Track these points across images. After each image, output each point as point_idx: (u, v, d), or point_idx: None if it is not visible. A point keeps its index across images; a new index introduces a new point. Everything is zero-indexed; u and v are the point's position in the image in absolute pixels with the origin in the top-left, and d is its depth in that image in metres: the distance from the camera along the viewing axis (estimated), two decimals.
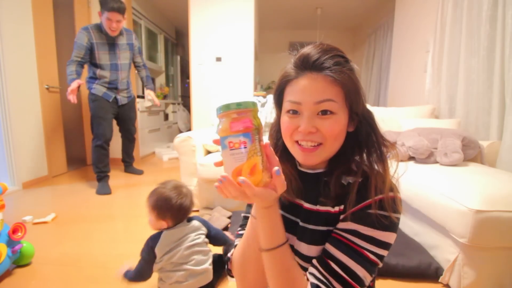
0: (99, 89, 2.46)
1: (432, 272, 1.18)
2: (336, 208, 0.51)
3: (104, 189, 2.40)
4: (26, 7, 2.52)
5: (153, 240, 0.99)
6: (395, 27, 3.39)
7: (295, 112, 0.51)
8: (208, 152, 2.01)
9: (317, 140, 0.50)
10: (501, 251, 1.06)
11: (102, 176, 2.47)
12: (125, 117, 2.71)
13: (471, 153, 1.54)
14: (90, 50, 2.37)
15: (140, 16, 4.08)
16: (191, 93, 3.51)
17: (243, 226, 0.65)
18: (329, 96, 0.48)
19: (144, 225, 1.77)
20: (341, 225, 0.50)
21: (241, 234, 0.63)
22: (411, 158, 1.65)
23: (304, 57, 0.50)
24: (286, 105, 0.52)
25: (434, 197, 1.21)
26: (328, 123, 0.49)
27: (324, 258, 0.49)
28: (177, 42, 5.89)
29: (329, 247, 0.49)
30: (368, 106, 2.57)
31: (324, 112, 0.49)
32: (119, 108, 2.62)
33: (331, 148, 0.51)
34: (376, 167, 0.52)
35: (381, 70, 4.25)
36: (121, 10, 2.31)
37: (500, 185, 1.12)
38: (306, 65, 0.49)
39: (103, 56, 2.42)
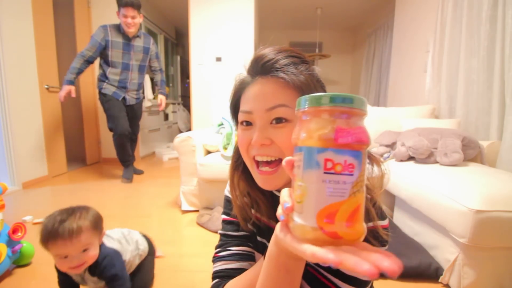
0: (109, 89, 2.53)
1: (432, 272, 1.18)
2: None
3: (127, 174, 2.69)
4: (26, 7, 2.52)
5: (116, 253, 0.94)
6: (395, 27, 3.39)
7: (248, 123, 0.45)
8: (208, 152, 2.01)
9: (273, 154, 0.43)
10: (501, 251, 1.06)
11: (126, 164, 2.73)
12: (131, 116, 2.74)
13: (471, 153, 1.54)
14: (104, 48, 2.43)
15: None
16: (191, 93, 3.51)
17: (224, 247, 0.57)
18: (281, 101, 0.42)
19: (144, 225, 1.77)
20: None
21: (221, 257, 0.56)
22: (411, 158, 1.65)
23: (253, 60, 0.45)
24: (239, 117, 0.47)
25: (434, 197, 1.21)
26: (283, 132, 0.42)
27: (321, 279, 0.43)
28: (177, 42, 5.89)
29: (303, 284, 0.43)
30: (368, 106, 2.54)
31: (279, 121, 0.42)
32: (127, 108, 2.68)
33: None
34: None
35: (381, 70, 4.24)
36: (134, 5, 2.37)
37: (500, 185, 1.12)
38: (256, 69, 0.45)
39: (116, 54, 2.47)
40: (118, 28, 2.46)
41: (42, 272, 1.27)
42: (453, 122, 1.98)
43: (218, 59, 3.43)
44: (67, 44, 3.26)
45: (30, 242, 1.32)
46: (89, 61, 2.44)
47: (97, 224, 0.88)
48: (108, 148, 3.59)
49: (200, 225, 1.73)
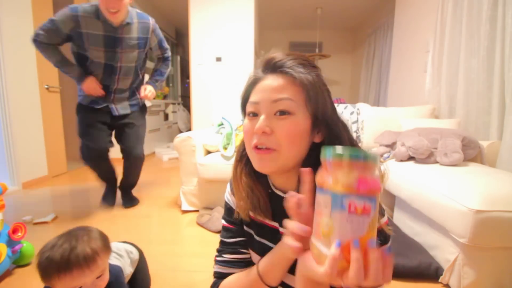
0: (85, 97, 1.78)
1: (432, 272, 1.18)
2: None
3: (106, 198, 2.04)
4: (26, 7, 2.52)
5: (121, 271, 0.86)
6: (395, 27, 3.39)
7: (255, 114, 0.49)
8: (208, 152, 2.01)
9: (271, 146, 0.46)
10: (501, 251, 1.06)
11: (108, 183, 2.06)
12: (124, 131, 1.88)
13: (471, 153, 1.54)
14: (75, 39, 1.63)
15: None
16: (191, 93, 3.51)
17: (220, 253, 0.62)
18: (286, 95, 0.46)
19: (144, 225, 1.77)
20: None
21: (218, 262, 0.61)
22: (411, 158, 1.65)
23: (267, 60, 0.50)
24: (247, 107, 0.51)
25: (434, 197, 1.21)
26: (284, 123, 0.46)
27: None
28: (177, 42, 5.89)
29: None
30: (368, 106, 2.52)
31: (282, 113, 0.46)
32: (115, 120, 1.86)
33: (288, 154, 0.46)
34: None
35: (381, 70, 4.24)
36: None
37: (500, 185, 1.12)
38: (268, 67, 0.49)
39: (95, 53, 1.65)
40: (95, 14, 1.58)
41: None
42: (453, 122, 1.98)
43: (218, 59, 3.43)
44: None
45: (30, 242, 1.32)
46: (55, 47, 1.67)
47: (107, 243, 0.76)
48: None
49: (200, 225, 1.73)
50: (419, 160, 1.58)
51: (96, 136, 1.81)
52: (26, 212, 1.88)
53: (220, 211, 1.80)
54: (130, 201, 2.08)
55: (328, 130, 0.48)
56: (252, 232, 0.58)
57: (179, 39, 5.95)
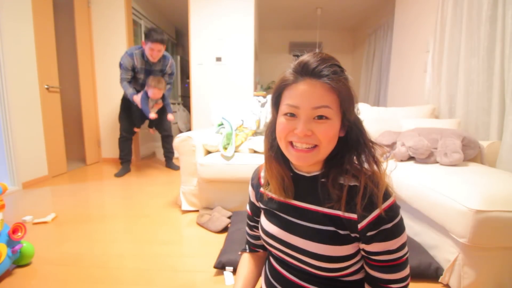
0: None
1: (432, 272, 1.18)
2: (354, 216, 0.52)
3: (119, 172, 2.94)
4: (26, 7, 2.52)
5: None
6: (395, 27, 3.39)
7: (292, 115, 0.53)
8: (208, 152, 2.01)
9: (312, 142, 0.53)
10: (501, 251, 1.06)
11: (122, 161, 3.04)
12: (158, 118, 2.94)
13: (471, 153, 1.54)
14: (133, 70, 2.77)
15: (140, 16, 4.08)
16: (191, 93, 3.51)
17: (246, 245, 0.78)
18: (326, 103, 0.51)
19: (144, 225, 1.77)
20: (369, 247, 0.53)
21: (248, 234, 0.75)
22: (411, 158, 1.65)
23: (304, 63, 0.52)
24: (284, 108, 0.55)
25: (434, 197, 1.21)
26: (323, 127, 0.52)
27: (382, 285, 0.55)
28: (177, 42, 5.89)
29: (378, 274, 0.55)
30: (368, 106, 2.51)
31: (320, 117, 0.52)
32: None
33: (325, 151, 0.54)
34: (369, 168, 0.55)
35: (381, 70, 4.24)
36: (163, 41, 2.62)
37: (500, 185, 1.12)
38: (305, 71, 0.52)
39: (139, 76, 2.82)
40: (142, 56, 2.71)
41: (42, 272, 1.27)
42: (453, 122, 1.98)
43: (218, 59, 3.43)
44: (67, 44, 3.26)
45: (30, 242, 1.32)
46: (130, 82, 2.81)
47: None
48: (108, 148, 3.59)
49: (200, 225, 1.73)
50: (419, 160, 1.58)
51: (126, 120, 2.99)
52: (26, 212, 1.88)
53: (220, 211, 1.80)
54: (172, 166, 3.25)
55: (350, 126, 0.55)
56: (273, 208, 0.64)
57: (179, 39, 5.94)
